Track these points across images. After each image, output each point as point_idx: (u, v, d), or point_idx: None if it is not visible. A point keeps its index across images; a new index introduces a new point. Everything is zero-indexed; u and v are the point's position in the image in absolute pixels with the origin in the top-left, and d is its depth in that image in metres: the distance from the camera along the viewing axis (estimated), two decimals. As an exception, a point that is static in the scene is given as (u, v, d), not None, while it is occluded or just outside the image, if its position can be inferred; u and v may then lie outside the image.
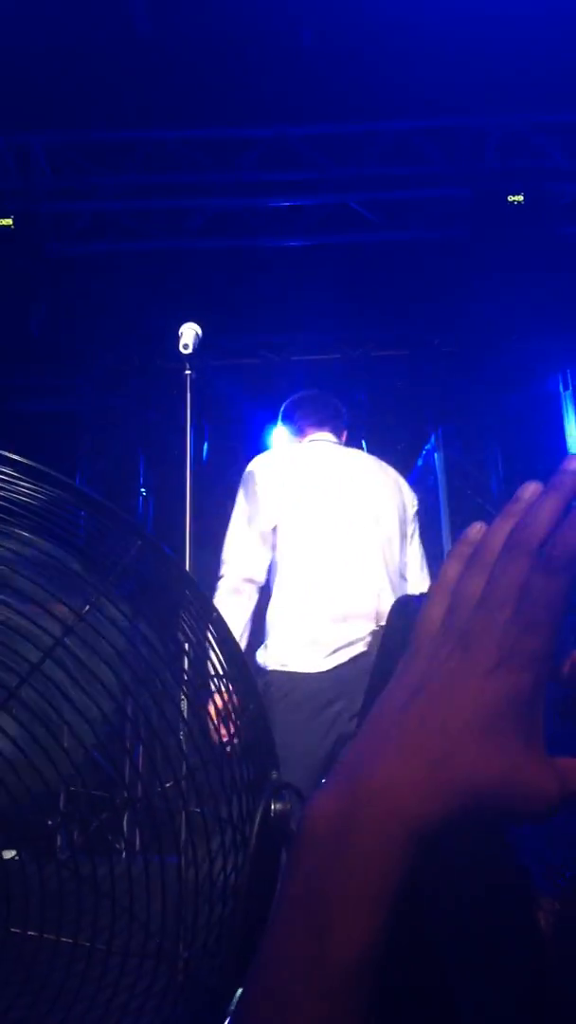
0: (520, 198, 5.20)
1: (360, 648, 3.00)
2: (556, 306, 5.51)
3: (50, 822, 0.98)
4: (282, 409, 3.69)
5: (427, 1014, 0.71)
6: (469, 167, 5.59)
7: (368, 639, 3.01)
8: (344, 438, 3.56)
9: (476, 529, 0.64)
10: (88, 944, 0.79)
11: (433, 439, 6.15)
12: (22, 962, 0.91)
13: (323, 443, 3.45)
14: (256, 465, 3.39)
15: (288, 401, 3.67)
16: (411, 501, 3.46)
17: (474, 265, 5.70)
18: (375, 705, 0.61)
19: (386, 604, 3.03)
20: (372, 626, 3.04)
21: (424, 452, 6.31)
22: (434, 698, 0.57)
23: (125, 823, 1.01)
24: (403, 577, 3.30)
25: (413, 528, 3.44)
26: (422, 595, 0.68)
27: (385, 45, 5.03)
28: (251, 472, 3.36)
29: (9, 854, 0.96)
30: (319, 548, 3.14)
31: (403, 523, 3.35)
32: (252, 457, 3.46)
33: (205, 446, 6.14)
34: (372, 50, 5.09)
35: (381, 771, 0.56)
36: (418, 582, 3.37)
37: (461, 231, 5.73)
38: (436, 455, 6.07)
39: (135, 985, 0.84)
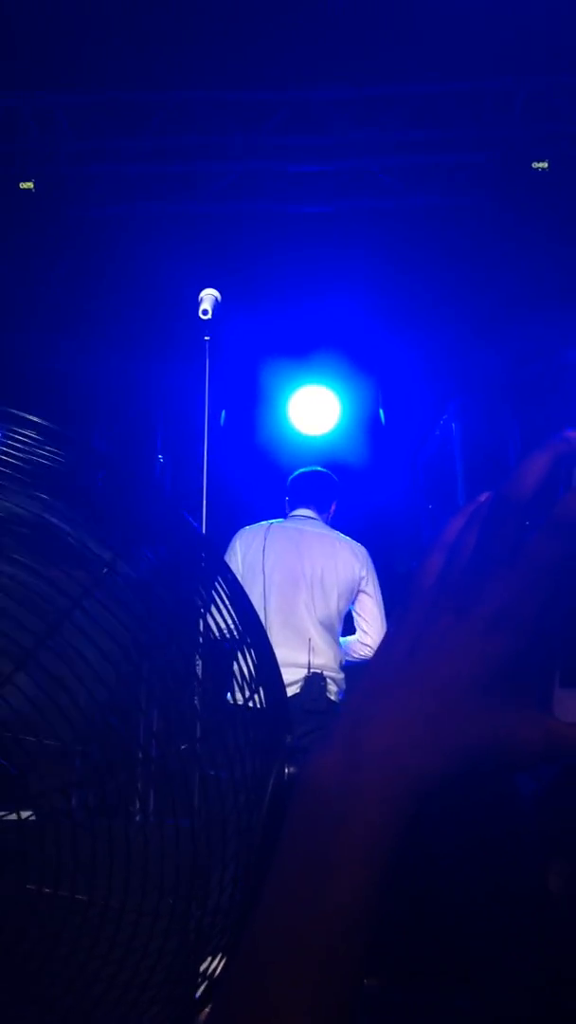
0: (545, 164, 5.13)
1: (295, 690, 3.69)
2: (578, 276, 5.46)
3: (64, 783, 0.99)
4: (288, 484, 4.40)
5: (434, 963, 0.73)
6: (494, 132, 5.51)
7: (301, 683, 3.73)
8: (333, 509, 4.30)
9: (487, 495, 0.64)
10: (103, 902, 0.81)
11: (451, 409, 6.11)
12: (37, 918, 0.92)
13: (301, 518, 4.18)
14: (238, 534, 4.13)
15: (289, 479, 4.38)
16: (359, 570, 4.08)
17: (496, 232, 5.64)
18: (373, 657, 0.62)
19: (317, 654, 3.81)
20: (304, 672, 3.75)
21: (441, 422, 6.28)
22: (431, 656, 0.58)
23: (140, 784, 1.03)
24: (338, 630, 4.02)
25: (364, 587, 4.09)
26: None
27: (410, 7, 4.96)
28: (233, 539, 4.11)
29: (25, 814, 0.97)
30: (268, 605, 3.81)
31: (350, 589, 4.04)
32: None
33: (223, 413, 6.14)
34: (397, 12, 5.02)
35: (381, 725, 0.57)
36: (373, 630, 4.07)
37: (484, 197, 5.67)
38: (453, 425, 6.04)
39: (148, 943, 0.86)
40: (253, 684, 0.90)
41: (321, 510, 4.24)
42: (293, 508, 4.26)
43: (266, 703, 0.90)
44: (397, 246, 6.01)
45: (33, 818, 0.96)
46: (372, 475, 6.15)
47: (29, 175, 5.23)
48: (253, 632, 0.90)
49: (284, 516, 4.27)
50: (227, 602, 0.90)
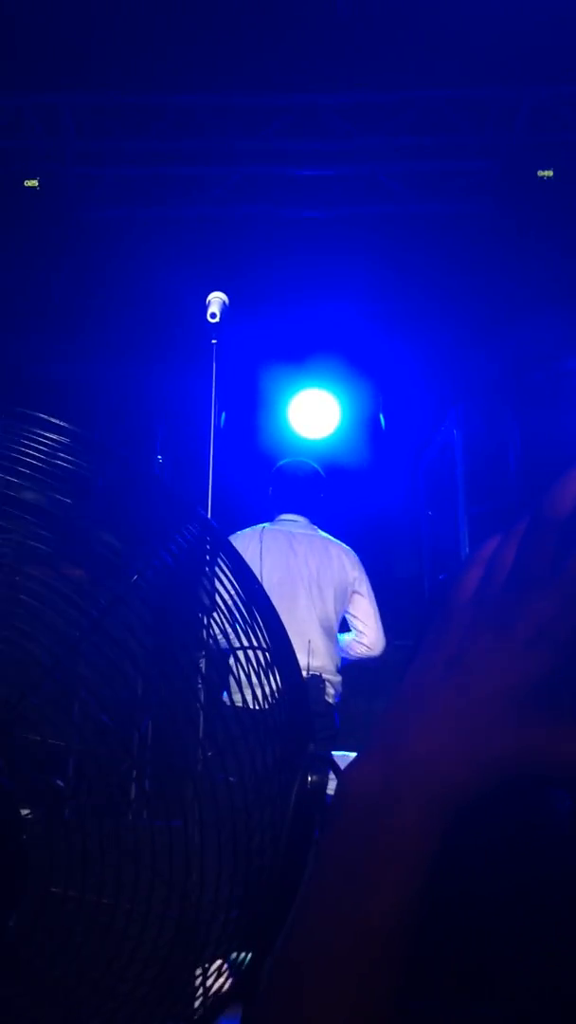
0: (550, 173, 5.14)
1: None
2: (581, 285, 5.47)
3: (60, 782, 0.99)
4: (271, 475, 4.39)
5: (460, 980, 0.72)
6: (499, 140, 5.52)
7: None
8: (320, 507, 4.29)
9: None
10: (128, 906, 0.80)
11: (452, 415, 6.12)
12: (44, 918, 0.92)
13: (290, 521, 4.18)
14: (230, 539, 4.01)
15: (271, 474, 4.37)
16: (351, 571, 4.10)
17: (498, 240, 5.65)
18: (409, 672, 0.62)
19: (316, 656, 3.84)
20: (303, 674, 3.68)
21: (443, 428, 6.28)
22: (470, 672, 0.58)
23: (136, 784, 1.02)
24: (335, 632, 4.04)
25: (357, 588, 4.12)
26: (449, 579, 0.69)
27: (417, 13, 4.96)
28: None
29: (24, 812, 0.97)
30: None
31: (343, 591, 4.06)
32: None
33: (223, 414, 6.13)
34: (404, 18, 5.02)
35: (419, 740, 0.57)
36: (370, 629, 4.11)
37: (487, 205, 5.67)
38: (455, 431, 6.05)
39: (170, 950, 0.85)
40: (277, 692, 0.90)
41: (309, 511, 4.26)
42: (280, 508, 4.26)
43: (289, 711, 0.90)
44: (399, 252, 6.01)
45: (30, 816, 0.96)
46: (372, 480, 6.16)
47: (34, 173, 5.22)
48: (278, 641, 0.90)
49: (270, 511, 4.29)
50: (250, 613, 0.90)
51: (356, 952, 0.54)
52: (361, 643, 4.10)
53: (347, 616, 4.13)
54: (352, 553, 4.17)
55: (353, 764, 0.59)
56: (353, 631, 4.14)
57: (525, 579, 0.57)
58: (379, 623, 4.11)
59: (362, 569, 4.15)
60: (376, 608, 4.14)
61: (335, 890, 0.56)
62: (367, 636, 4.09)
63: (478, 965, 0.73)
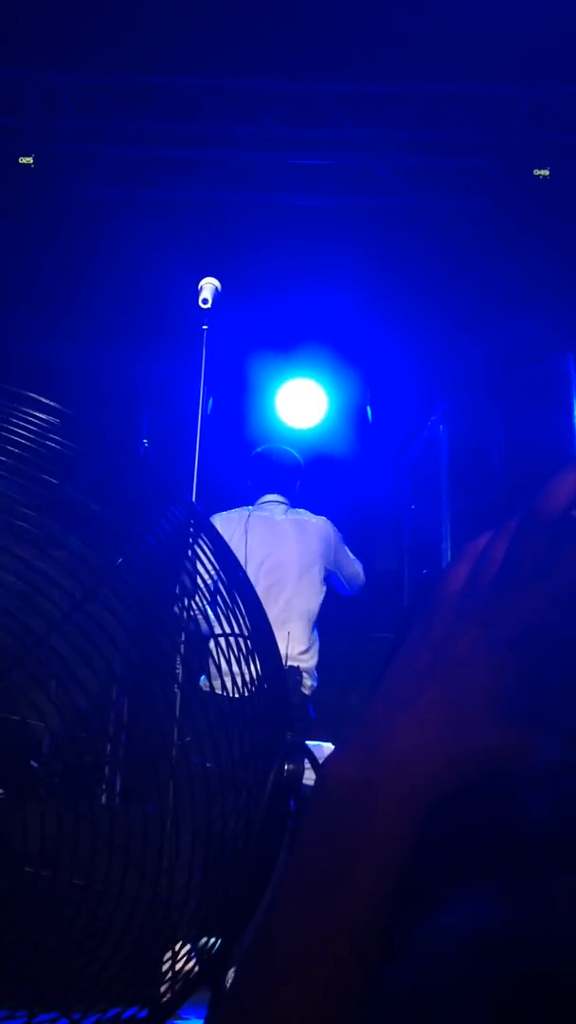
0: (546, 172, 5.15)
1: None
2: (573, 285, 5.47)
3: (34, 762, 0.99)
4: (251, 459, 4.49)
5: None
6: (497, 137, 5.52)
7: None
8: (297, 487, 4.40)
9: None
10: (101, 888, 0.81)
11: (439, 411, 6.12)
12: (16, 897, 0.92)
13: (271, 504, 4.26)
14: (212, 519, 4.32)
15: (251, 459, 4.47)
16: (331, 540, 4.19)
17: (492, 237, 5.65)
18: (392, 665, 0.62)
19: (295, 647, 3.86)
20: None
21: (429, 423, 6.29)
22: (453, 666, 0.58)
23: (108, 768, 1.02)
24: (314, 622, 4.07)
25: (338, 546, 4.24)
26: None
27: (422, 7, 4.95)
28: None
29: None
30: None
31: (325, 558, 4.15)
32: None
33: (210, 400, 6.11)
34: (405, 12, 5.01)
35: (400, 736, 0.57)
36: (357, 564, 4.31)
37: (482, 201, 5.67)
38: (441, 427, 6.05)
39: (139, 932, 0.86)
40: (256, 680, 0.90)
41: (288, 492, 4.36)
42: (260, 492, 4.35)
43: (269, 699, 0.90)
44: (392, 245, 6.01)
45: (2, 795, 0.96)
46: (356, 471, 6.16)
47: (29, 150, 5.19)
48: (260, 630, 0.90)
49: (251, 494, 4.38)
50: (232, 602, 0.90)
51: (331, 941, 0.54)
52: (346, 589, 4.32)
53: (335, 575, 4.26)
54: (328, 523, 4.27)
55: (333, 754, 0.59)
56: (343, 579, 4.30)
57: (514, 576, 0.57)
58: (358, 567, 4.33)
59: (338, 534, 4.27)
60: (353, 556, 4.32)
61: (312, 879, 0.56)
62: (353, 582, 4.32)
63: (455, 968, 0.73)
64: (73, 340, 6.26)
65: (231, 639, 0.94)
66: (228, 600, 0.90)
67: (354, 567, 4.34)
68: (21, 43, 5.14)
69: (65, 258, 5.69)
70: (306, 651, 3.95)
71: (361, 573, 4.39)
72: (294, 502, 4.37)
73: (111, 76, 5.50)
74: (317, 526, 4.24)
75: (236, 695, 0.93)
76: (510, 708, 0.56)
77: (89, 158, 5.74)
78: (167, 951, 0.92)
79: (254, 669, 0.91)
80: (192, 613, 0.98)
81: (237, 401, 6.18)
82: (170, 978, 0.87)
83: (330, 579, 4.25)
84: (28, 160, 5.12)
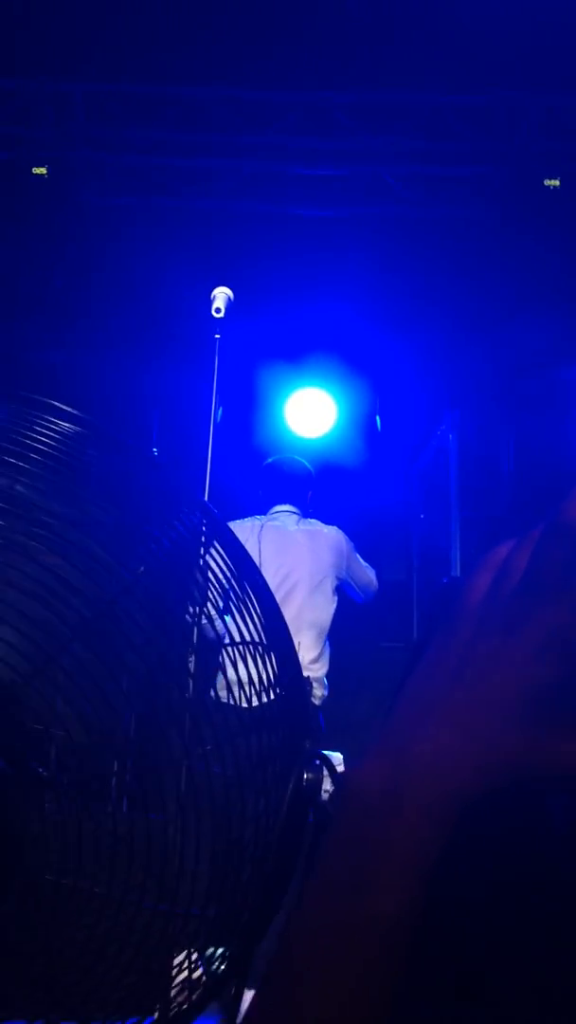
0: (556, 182, 5.14)
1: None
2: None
3: (42, 770, 0.99)
4: (262, 470, 4.53)
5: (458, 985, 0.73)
6: (506, 146, 5.52)
7: None
8: (309, 498, 4.43)
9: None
10: (120, 896, 0.81)
11: (448, 420, 6.12)
12: (28, 904, 0.92)
13: (283, 514, 4.28)
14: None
15: (262, 469, 4.51)
16: (343, 551, 4.23)
17: (501, 246, 5.65)
18: (414, 673, 0.62)
19: (305, 657, 3.80)
20: None
21: (438, 432, 6.29)
22: (477, 675, 0.58)
23: (117, 777, 1.03)
24: (326, 633, 4.11)
25: (350, 554, 4.27)
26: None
27: (430, 16, 4.96)
28: None
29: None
30: None
31: (337, 567, 4.18)
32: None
33: (220, 409, 6.11)
34: (414, 21, 5.03)
35: (426, 743, 0.57)
36: (371, 571, 4.37)
37: (492, 211, 5.67)
38: (450, 436, 6.05)
39: (158, 940, 0.86)
40: (274, 689, 0.90)
41: (300, 503, 4.38)
42: (272, 503, 4.37)
43: (287, 708, 0.90)
44: (402, 254, 6.01)
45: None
46: (365, 481, 6.15)
47: (42, 161, 5.20)
48: (278, 637, 0.91)
49: (262, 504, 4.40)
50: (255, 608, 0.90)
51: (355, 952, 0.55)
52: (360, 596, 4.37)
53: (346, 582, 4.30)
54: (340, 534, 4.29)
55: (358, 764, 0.59)
56: (356, 586, 4.34)
57: (537, 586, 0.58)
58: (371, 574, 4.37)
59: (350, 544, 4.30)
60: (365, 564, 4.37)
61: (336, 889, 0.56)
62: (367, 589, 4.36)
63: (475, 971, 0.73)
64: (84, 348, 6.28)
65: (249, 647, 0.95)
66: (246, 608, 0.90)
67: (367, 575, 4.37)
68: (34, 53, 5.17)
69: (76, 266, 5.71)
70: (316, 660, 3.96)
71: (374, 580, 4.41)
72: (306, 512, 4.38)
73: (123, 86, 5.53)
74: (329, 537, 4.26)
75: (253, 703, 0.93)
76: (534, 716, 0.56)
77: (100, 166, 5.76)
78: (186, 959, 0.92)
79: (271, 677, 0.91)
80: (210, 620, 0.99)
81: (246, 411, 6.18)
82: (188, 986, 0.87)
83: (343, 588, 4.27)
84: (42, 171, 5.14)
